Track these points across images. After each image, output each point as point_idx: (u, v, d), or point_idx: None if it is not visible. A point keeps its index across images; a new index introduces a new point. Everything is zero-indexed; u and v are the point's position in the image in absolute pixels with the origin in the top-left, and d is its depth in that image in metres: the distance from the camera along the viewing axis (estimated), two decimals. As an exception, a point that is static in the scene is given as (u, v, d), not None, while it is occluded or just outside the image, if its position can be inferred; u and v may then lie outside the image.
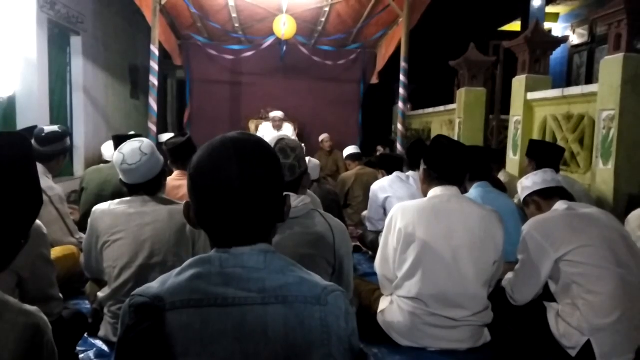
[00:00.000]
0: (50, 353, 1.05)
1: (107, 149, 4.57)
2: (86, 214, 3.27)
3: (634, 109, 3.68)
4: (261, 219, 1.00)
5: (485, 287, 2.30)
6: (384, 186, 4.01)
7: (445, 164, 2.35)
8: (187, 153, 3.12)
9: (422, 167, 2.43)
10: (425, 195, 2.40)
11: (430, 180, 2.38)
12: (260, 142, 1.03)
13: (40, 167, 3.01)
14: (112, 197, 2.53)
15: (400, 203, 2.42)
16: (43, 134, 3.06)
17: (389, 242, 2.36)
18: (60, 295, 1.94)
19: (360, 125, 9.59)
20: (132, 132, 4.50)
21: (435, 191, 2.34)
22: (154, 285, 0.98)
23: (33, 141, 3.10)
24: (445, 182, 2.34)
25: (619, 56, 3.68)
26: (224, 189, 0.96)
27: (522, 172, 3.54)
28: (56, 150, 3.12)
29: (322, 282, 1.02)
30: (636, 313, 2.14)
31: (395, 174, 4.04)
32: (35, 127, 3.21)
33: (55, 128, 3.17)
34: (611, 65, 3.77)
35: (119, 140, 3.79)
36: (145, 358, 0.93)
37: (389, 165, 4.31)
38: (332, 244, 1.91)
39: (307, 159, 3.84)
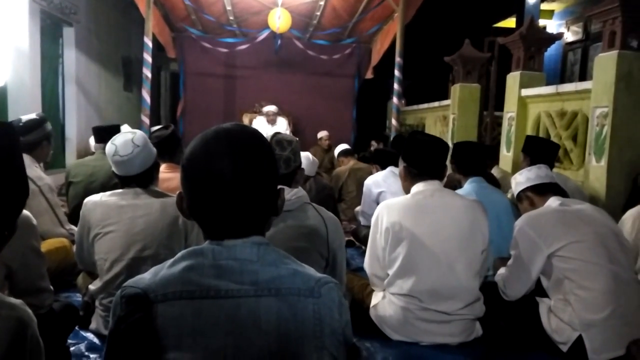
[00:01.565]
0: (34, 346, 1.03)
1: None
2: (76, 207, 3.25)
3: (627, 106, 3.69)
4: (254, 212, 0.99)
5: (477, 278, 2.31)
6: (377, 181, 4.01)
7: (424, 159, 2.36)
8: (173, 146, 3.10)
9: (402, 164, 2.44)
10: (407, 192, 2.41)
11: (412, 177, 2.39)
12: (255, 133, 1.02)
13: (26, 158, 2.97)
14: (101, 189, 2.51)
15: (385, 201, 2.43)
16: (21, 123, 3.00)
17: (377, 242, 2.36)
18: (51, 287, 1.93)
19: (355, 120, 9.58)
20: (115, 124, 4.45)
21: (418, 187, 2.35)
22: (146, 277, 0.97)
23: None
24: (427, 177, 2.35)
25: (613, 53, 3.68)
26: (216, 181, 0.95)
27: (517, 168, 3.54)
28: (37, 137, 3.06)
29: (316, 274, 1.01)
30: (627, 309, 2.15)
31: (389, 168, 4.04)
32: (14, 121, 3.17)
33: (32, 115, 3.11)
34: (605, 63, 3.78)
35: (99, 132, 3.78)
36: (137, 349, 0.92)
37: (383, 160, 4.31)
38: (325, 237, 1.92)
39: (307, 155, 3.86)
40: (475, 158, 3.33)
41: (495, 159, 5.01)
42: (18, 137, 1.10)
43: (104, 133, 3.72)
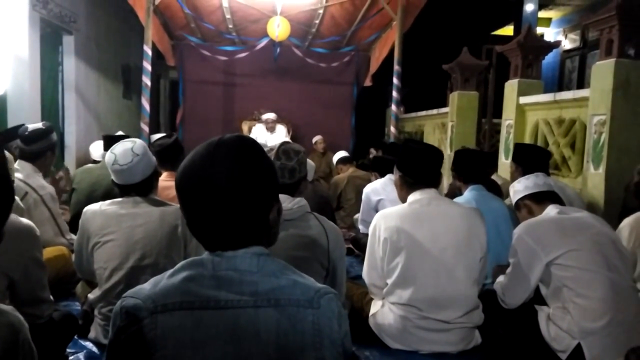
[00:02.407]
0: (26, 352, 1.04)
1: (95, 149, 4.54)
2: (77, 214, 3.24)
3: (625, 114, 3.70)
4: (244, 223, 0.98)
5: (475, 285, 2.31)
6: (376, 188, 4.01)
7: (419, 168, 2.36)
8: (175, 154, 3.10)
9: (397, 174, 2.44)
10: (404, 201, 2.41)
11: (407, 186, 2.39)
12: (246, 143, 1.00)
13: (28, 166, 2.99)
14: (104, 198, 2.51)
15: (382, 211, 2.43)
16: (26, 133, 3.01)
17: (375, 252, 2.37)
18: (51, 297, 1.93)
19: (354, 127, 9.59)
20: (120, 133, 4.46)
21: (414, 196, 2.36)
22: (146, 287, 0.97)
23: (18, 140, 3.06)
24: (423, 186, 2.35)
25: (611, 61, 3.70)
26: (205, 192, 0.95)
27: (510, 178, 3.55)
28: (42, 147, 3.06)
29: (315, 284, 1.01)
30: (626, 317, 2.15)
31: (388, 176, 4.04)
32: (22, 125, 3.17)
33: (39, 125, 3.11)
34: (602, 71, 3.79)
35: (108, 140, 3.77)
36: (136, 360, 0.92)
37: (382, 167, 4.31)
38: (326, 247, 1.92)
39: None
40: (476, 166, 3.34)
41: (494, 166, 5.03)
42: (1, 145, 1.10)
43: (113, 142, 3.73)
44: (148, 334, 0.91)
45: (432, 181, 2.39)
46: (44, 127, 3.09)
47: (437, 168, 2.41)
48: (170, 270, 0.99)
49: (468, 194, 3.24)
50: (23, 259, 1.75)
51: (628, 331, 2.14)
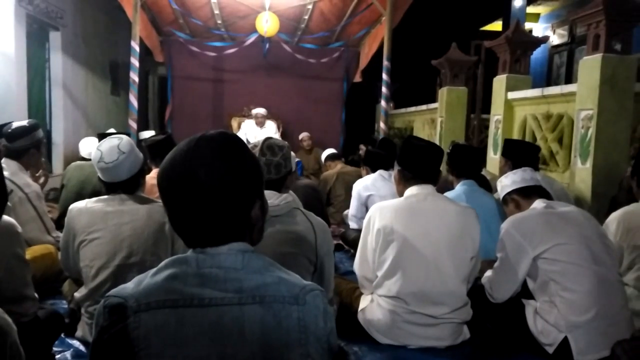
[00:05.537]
0: (14, 354, 1.03)
1: (84, 146, 4.50)
2: (66, 211, 3.22)
3: (612, 108, 3.73)
4: (218, 218, 0.96)
5: (464, 283, 2.32)
6: (366, 184, 4.02)
7: (419, 163, 2.38)
8: (166, 151, 3.07)
9: (396, 168, 2.47)
10: (401, 196, 2.42)
11: (405, 180, 2.41)
12: (228, 139, 0.99)
13: (14, 164, 2.95)
14: (93, 195, 2.49)
15: (378, 203, 2.44)
16: (10, 130, 2.98)
17: (367, 243, 2.37)
18: (35, 294, 1.91)
19: (344, 123, 9.59)
20: (112, 130, 4.44)
21: (412, 190, 2.37)
22: (129, 286, 0.96)
23: (3, 139, 3.04)
24: (420, 181, 2.37)
25: (597, 56, 3.72)
26: (179, 184, 0.95)
27: (500, 172, 3.57)
28: (26, 144, 3.03)
29: (301, 281, 1.01)
30: (612, 310, 2.17)
31: (379, 172, 4.05)
32: (9, 123, 3.13)
33: (23, 122, 3.09)
34: (590, 66, 3.82)
35: (102, 138, 3.74)
36: (120, 359, 0.91)
37: (374, 162, 4.31)
38: (313, 243, 1.91)
39: (293, 156, 3.84)
40: (470, 161, 3.36)
41: (483, 162, 5.04)
42: None
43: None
44: (131, 333, 0.90)
45: (430, 177, 2.40)
46: (27, 125, 3.06)
47: (436, 165, 2.42)
48: (154, 269, 0.98)
49: (459, 189, 3.25)
50: (5, 256, 1.73)
51: (614, 324, 2.17)
